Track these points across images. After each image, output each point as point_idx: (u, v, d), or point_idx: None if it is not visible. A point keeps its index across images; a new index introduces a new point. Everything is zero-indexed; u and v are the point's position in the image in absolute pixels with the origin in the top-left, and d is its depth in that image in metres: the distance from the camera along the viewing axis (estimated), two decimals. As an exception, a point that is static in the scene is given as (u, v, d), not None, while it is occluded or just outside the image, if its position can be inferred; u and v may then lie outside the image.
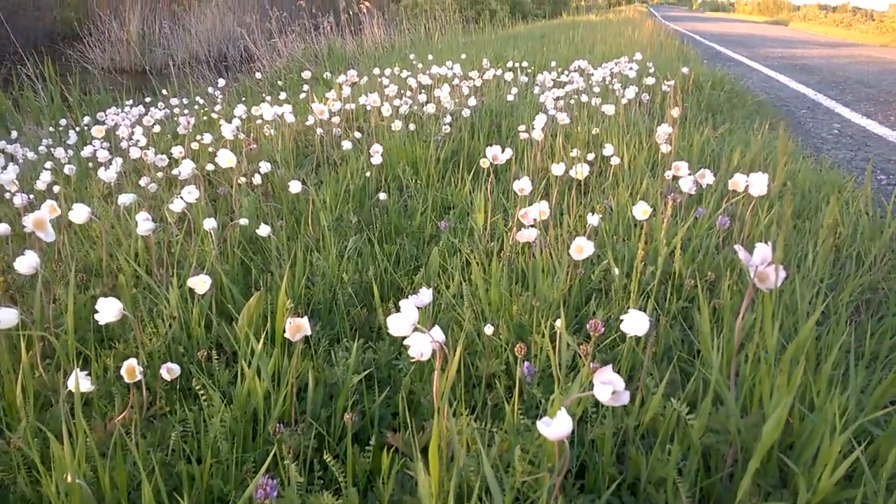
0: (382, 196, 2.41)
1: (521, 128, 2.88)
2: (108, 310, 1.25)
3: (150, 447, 1.22)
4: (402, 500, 1.15)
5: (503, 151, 2.06)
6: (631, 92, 3.46)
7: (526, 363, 1.34)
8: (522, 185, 1.84)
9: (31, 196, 2.46)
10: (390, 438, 1.27)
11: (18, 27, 12.46)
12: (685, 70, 4.84)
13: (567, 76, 4.61)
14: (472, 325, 1.51)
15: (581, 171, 1.98)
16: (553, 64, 5.56)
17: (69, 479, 1.04)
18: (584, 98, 3.70)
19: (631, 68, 4.62)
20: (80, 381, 1.18)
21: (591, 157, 2.63)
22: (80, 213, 1.59)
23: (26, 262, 1.44)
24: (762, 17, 31.15)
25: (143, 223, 1.68)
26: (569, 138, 3.10)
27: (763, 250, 1.09)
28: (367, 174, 2.67)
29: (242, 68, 10.70)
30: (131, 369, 1.18)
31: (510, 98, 3.95)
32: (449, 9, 14.25)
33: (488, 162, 2.53)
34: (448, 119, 3.35)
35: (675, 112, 2.72)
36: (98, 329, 1.66)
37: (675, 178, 2.07)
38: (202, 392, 1.30)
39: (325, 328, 1.68)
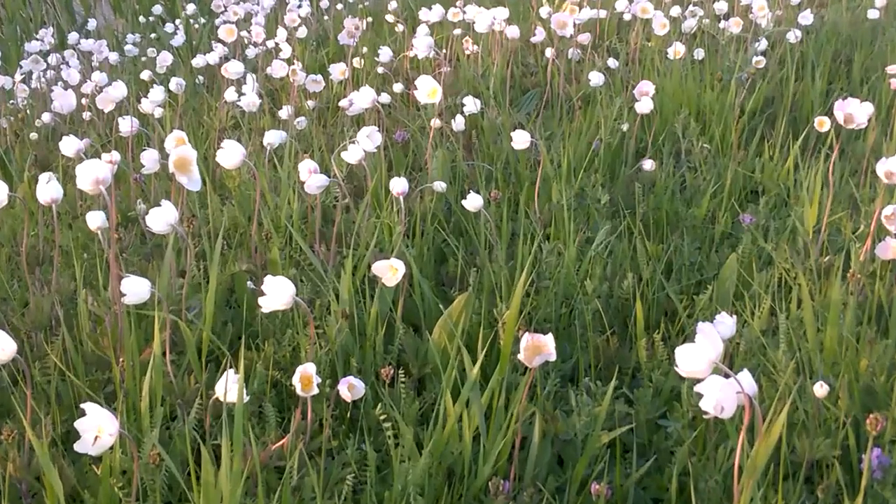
0: (648, 165, 2.52)
1: (892, 68, 2.86)
2: (279, 294, 1.47)
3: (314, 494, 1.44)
4: None
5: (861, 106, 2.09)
6: None
7: (876, 449, 1.40)
8: (891, 167, 1.87)
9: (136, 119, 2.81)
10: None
11: None
12: None
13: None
14: (792, 380, 1.59)
15: None
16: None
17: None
18: None
19: None
20: (233, 390, 1.38)
21: None
22: (231, 155, 1.86)
23: (163, 218, 1.70)
24: None
25: (314, 178, 1.92)
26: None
27: None
28: (625, 127, 2.80)
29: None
30: (307, 378, 1.39)
31: (872, 14, 3.87)
32: None
33: (827, 123, 2.56)
34: (762, 44, 3.38)
35: None
36: (238, 321, 1.94)
37: None
38: (387, 424, 1.49)
39: (556, 358, 1.84)
